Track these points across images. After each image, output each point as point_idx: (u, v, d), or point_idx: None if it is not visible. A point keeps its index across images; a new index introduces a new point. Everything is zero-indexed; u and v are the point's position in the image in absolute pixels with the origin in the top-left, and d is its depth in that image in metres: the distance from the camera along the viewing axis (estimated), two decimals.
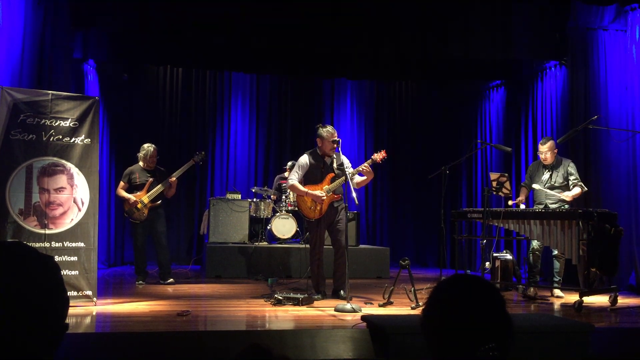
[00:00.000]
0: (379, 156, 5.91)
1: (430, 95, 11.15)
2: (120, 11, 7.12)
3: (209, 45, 8.44)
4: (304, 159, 6.03)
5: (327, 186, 5.88)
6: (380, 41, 7.72)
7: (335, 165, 5.71)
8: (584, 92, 7.45)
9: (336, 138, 5.85)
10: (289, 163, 9.20)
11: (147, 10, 7.12)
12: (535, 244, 6.39)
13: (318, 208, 5.87)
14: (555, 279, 6.40)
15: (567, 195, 6.27)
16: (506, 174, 6.70)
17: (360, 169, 5.84)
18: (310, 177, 5.99)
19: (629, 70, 7.07)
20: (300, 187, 5.95)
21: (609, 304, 5.69)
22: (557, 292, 6.41)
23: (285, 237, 8.37)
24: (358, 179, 6.04)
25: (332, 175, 5.85)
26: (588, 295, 5.59)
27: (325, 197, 5.83)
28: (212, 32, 7.58)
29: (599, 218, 5.54)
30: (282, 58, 8.86)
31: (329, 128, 5.93)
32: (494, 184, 6.55)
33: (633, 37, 7.04)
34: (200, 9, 7.20)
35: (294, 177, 6.00)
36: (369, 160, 5.88)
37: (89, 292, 5.23)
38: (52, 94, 5.28)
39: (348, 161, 6.13)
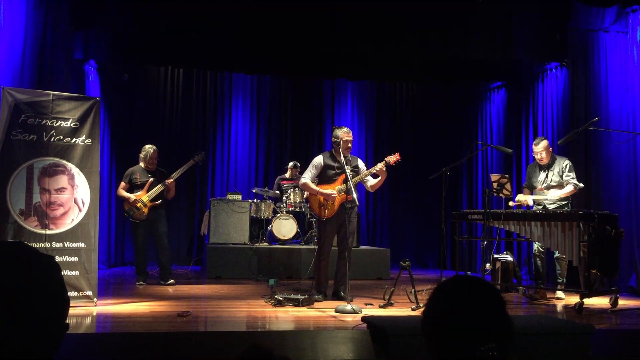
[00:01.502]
0: (392, 158, 5.90)
1: (430, 96, 11.14)
2: (121, 11, 7.12)
3: (210, 45, 8.44)
4: (319, 159, 6.08)
5: (338, 186, 5.89)
6: (381, 42, 7.72)
7: (349, 166, 5.71)
8: (584, 93, 7.44)
9: (339, 139, 5.85)
10: (290, 163, 9.21)
11: (148, 10, 7.13)
12: (536, 246, 6.38)
13: (329, 207, 5.88)
14: (558, 281, 6.39)
15: (555, 196, 6.24)
16: (507, 176, 6.69)
17: (375, 169, 5.83)
18: (324, 177, 6.03)
19: (630, 72, 7.06)
20: (312, 186, 6.00)
21: (610, 305, 5.69)
22: (559, 293, 6.41)
23: (286, 237, 8.36)
24: (372, 181, 6.04)
25: (344, 176, 5.85)
26: (588, 297, 5.59)
27: (336, 195, 5.85)
28: (212, 33, 7.58)
29: (600, 220, 5.53)
30: (283, 59, 8.86)
31: (344, 129, 5.97)
32: (495, 185, 6.55)
33: (634, 38, 7.03)
34: (201, 10, 7.21)
35: (306, 176, 6.05)
36: (382, 163, 5.87)
37: (90, 293, 5.24)
38: (53, 95, 5.29)
39: (363, 164, 6.15)
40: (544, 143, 6.40)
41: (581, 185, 6.34)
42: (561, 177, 6.35)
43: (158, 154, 7.18)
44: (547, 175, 6.42)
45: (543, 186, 6.41)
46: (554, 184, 6.37)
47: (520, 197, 6.51)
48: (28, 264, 1.24)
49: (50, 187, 5.17)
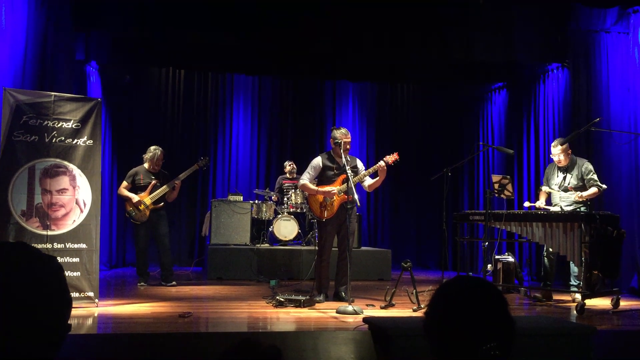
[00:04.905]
0: (390, 158, 5.89)
1: (432, 97, 11.14)
2: (122, 13, 7.13)
3: (211, 47, 8.43)
4: (317, 160, 6.08)
5: (338, 187, 5.89)
6: (382, 43, 7.72)
7: (348, 167, 5.72)
8: (586, 94, 7.44)
9: (338, 140, 5.85)
10: (286, 163, 9.25)
11: (149, 12, 7.14)
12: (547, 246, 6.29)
13: (329, 208, 5.88)
14: (574, 283, 6.25)
15: (581, 196, 6.07)
16: (508, 176, 6.68)
17: (374, 168, 5.83)
18: (323, 178, 6.03)
19: (631, 73, 7.05)
20: (311, 186, 6.01)
21: (611, 306, 5.68)
22: (577, 296, 6.00)
23: (287, 238, 8.36)
24: (370, 181, 6.03)
25: (344, 176, 5.85)
26: (590, 298, 5.58)
27: (336, 192, 5.85)
28: (213, 34, 7.58)
29: (601, 220, 5.52)
30: (284, 60, 8.85)
31: (343, 130, 5.97)
32: (496, 186, 6.54)
33: (635, 39, 7.03)
34: (202, 12, 7.22)
35: (305, 177, 6.06)
36: (381, 162, 5.87)
37: (91, 294, 5.24)
38: (55, 96, 5.30)
39: (362, 164, 6.16)
40: (563, 145, 6.25)
41: (604, 187, 6.20)
42: (580, 179, 6.21)
43: (164, 156, 7.18)
44: (564, 178, 6.29)
45: (560, 189, 6.31)
46: (572, 187, 6.24)
47: (538, 204, 6.45)
48: (30, 265, 1.25)
49: (52, 188, 5.17)
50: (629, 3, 7.02)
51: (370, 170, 5.89)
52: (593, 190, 6.14)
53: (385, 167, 5.82)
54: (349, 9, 7.32)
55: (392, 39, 7.68)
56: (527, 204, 6.70)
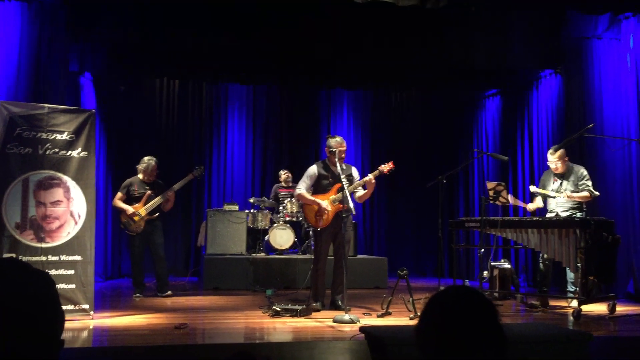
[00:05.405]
0: (386, 167, 5.90)
1: (426, 105, 11.16)
2: (116, 24, 7.14)
3: (205, 57, 8.43)
4: (313, 168, 6.08)
5: (333, 196, 5.89)
6: (376, 51, 7.74)
7: (343, 175, 5.72)
8: (579, 100, 7.47)
9: (333, 148, 5.86)
10: (282, 172, 9.24)
11: (144, 22, 7.14)
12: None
13: (324, 217, 5.87)
14: (571, 289, 6.25)
15: (572, 196, 6.11)
16: (503, 183, 6.69)
17: (366, 180, 5.83)
18: (319, 187, 6.03)
19: (623, 78, 7.09)
20: (307, 196, 5.99)
21: (608, 312, 5.68)
22: (573, 302, 6.02)
23: (283, 247, 8.34)
24: (361, 192, 6.03)
25: (339, 185, 5.85)
26: (586, 304, 5.58)
27: (329, 209, 5.84)
28: (210, 39, 7.58)
29: (596, 226, 5.54)
30: (280, 65, 8.84)
31: (338, 138, 5.97)
32: (491, 192, 6.55)
33: (627, 45, 7.07)
34: (196, 21, 7.23)
35: (301, 186, 6.04)
36: (375, 172, 5.88)
37: (86, 306, 5.21)
38: (48, 107, 5.29)
39: (357, 172, 6.16)
40: (560, 152, 6.25)
41: (597, 193, 6.22)
42: (576, 185, 6.23)
43: (158, 166, 7.16)
44: (561, 184, 6.30)
45: (555, 195, 6.33)
46: (567, 194, 6.25)
47: (531, 206, 6.46)
48: (22, 280, 1.24)
49: (46, 200, 5.16)
50: (621, 9, 7.07)
51: (364, 180, 5.89)
52: (584, 193, 6.17)
53: (374, 182, 5.83)
54: (344, 17, 7.33)
55: (386, 46, 7.70)
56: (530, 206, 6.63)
